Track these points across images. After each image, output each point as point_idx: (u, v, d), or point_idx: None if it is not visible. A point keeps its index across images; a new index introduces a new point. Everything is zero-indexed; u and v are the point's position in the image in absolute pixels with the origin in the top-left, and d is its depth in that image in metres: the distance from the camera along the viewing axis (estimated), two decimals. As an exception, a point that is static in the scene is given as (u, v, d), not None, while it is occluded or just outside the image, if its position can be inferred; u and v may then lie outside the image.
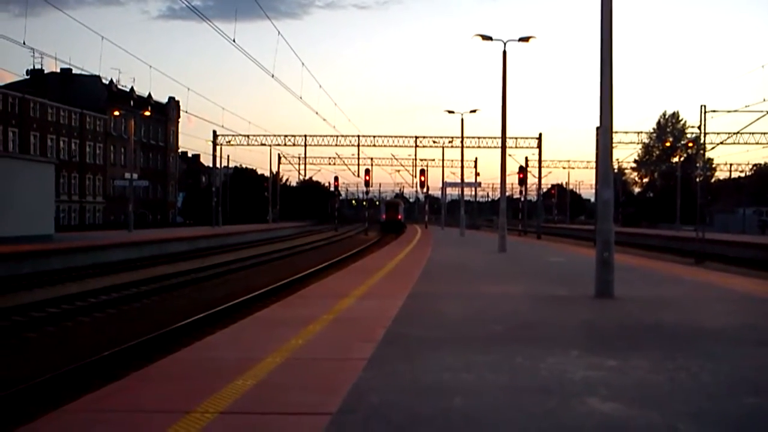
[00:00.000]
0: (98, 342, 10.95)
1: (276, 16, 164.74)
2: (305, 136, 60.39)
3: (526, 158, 60.36)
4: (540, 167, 56.66)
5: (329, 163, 71.55)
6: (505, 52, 24.14)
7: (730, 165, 77.08)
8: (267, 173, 77.06)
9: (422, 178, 62.68)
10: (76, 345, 10.94)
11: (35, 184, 28.62)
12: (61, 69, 68.71)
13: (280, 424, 4.37)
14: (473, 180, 59.50)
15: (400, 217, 67.99)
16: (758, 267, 25.41)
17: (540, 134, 56.13)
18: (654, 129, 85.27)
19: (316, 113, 51.74)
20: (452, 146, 57.25)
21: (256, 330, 7.92)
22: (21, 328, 12.31)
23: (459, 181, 47.54)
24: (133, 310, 14.86)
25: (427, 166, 66.35)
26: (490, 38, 24.34)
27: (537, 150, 55.79)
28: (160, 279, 20.43)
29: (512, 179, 60.43)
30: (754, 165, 78.21)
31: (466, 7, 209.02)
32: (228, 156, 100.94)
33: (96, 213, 73.94)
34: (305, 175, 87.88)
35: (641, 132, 64.46)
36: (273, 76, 31.75)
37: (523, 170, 54.27)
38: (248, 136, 60.29)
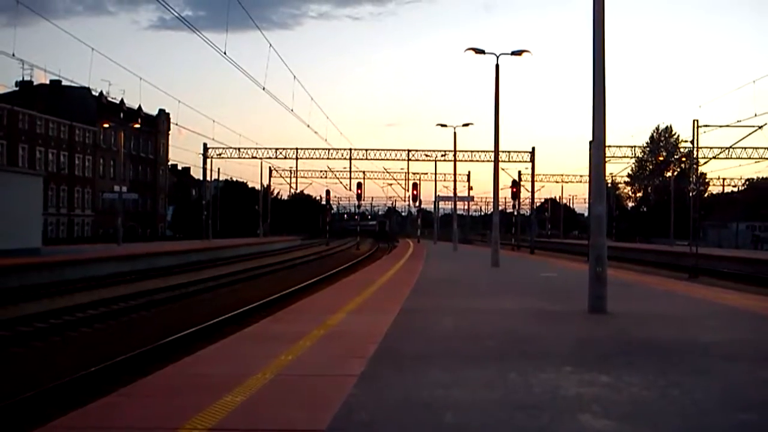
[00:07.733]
0: (86, 357, 10.83)
1: (268, 27, 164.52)
2: (296, 149, 60.44)
3: (519, 172, 60.63)
4: (533, 181, 56.74)
5: (321, 177, 71.71)
6: (498, 66, 24.20)
7: (723, 180, 77.64)
8: (258, 186, 76.89)
9: (414, 192, 62.82)
10: (64, 360, 10.82)
11: (23, 197, 28.39)
12: (51, 80, 68.91)
13: (269, 442, 4.30)
14: (466, 194, 59.73)
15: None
16: (751, 282, 25.45)
17: (533, 148, 56.29)
18: (647, 143, 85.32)
19: (308, 126, 51.49)
20: (445, 160, 57.34)
21: (246, 345, 7.84)
22: (8, 343, 12.16)
23: (452, 194, 47.51)
24: (122, 325, 14.73)
25: (419, 179, 66.51)
26: (483, 52, 24.38)
27: (530, 164, 55.91)
28: (149, 293, 20.28)
29: (505, 193, 61.01)
30: (747, 180, 78.74)
31: (460, 20, 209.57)
32: (218, 169, 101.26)
33: (84, 226, 73.52)
34: (296, 189, 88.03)
35: (634, 146, 64.15)
36: (264, 88, 31.64)
37: (516, 184, 54.43)
38: (239, 149, 60.29)
